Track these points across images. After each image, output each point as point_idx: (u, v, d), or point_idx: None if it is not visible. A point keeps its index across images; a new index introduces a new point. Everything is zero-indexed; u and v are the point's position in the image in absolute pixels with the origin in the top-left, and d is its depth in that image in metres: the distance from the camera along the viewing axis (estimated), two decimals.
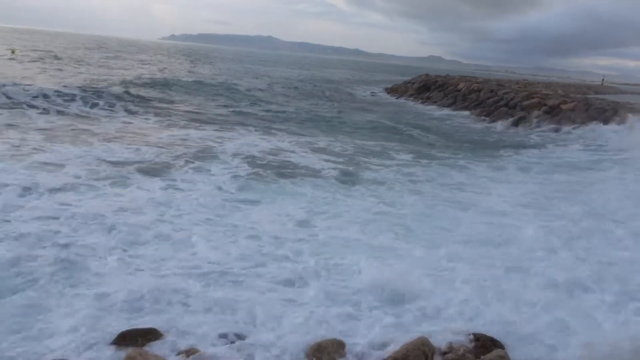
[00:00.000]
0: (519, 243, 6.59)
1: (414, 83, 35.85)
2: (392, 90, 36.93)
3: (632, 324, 4.52)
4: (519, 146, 15.60)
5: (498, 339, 3.95)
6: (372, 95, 34.70)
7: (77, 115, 14.20)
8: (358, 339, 3.93)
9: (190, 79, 27.78)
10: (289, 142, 13.07)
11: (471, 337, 3.94)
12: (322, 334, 3.94)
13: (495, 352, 3.64)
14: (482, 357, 3.66)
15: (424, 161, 12.13)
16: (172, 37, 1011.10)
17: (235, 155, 10.73)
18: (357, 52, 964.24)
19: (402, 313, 4.44)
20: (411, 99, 31.28)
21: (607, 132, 16.17)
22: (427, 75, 38.01)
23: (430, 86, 32.24)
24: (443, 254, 5.93)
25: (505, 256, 6.06)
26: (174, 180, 8.30)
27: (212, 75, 34.58)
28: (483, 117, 21.81)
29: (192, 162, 9.61)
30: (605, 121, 16.95)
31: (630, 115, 16.36)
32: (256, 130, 14.63)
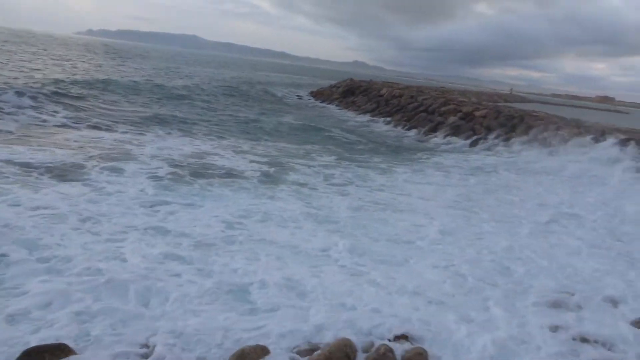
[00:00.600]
0: (426, 240, 6.98)
1: (339, 87, 36.48)
2: (318, 94, 37.33)
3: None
4: (435, 150, 16.42)
5: (414, 336, 4.10)
6: (298, 98, 34.88)
7: None
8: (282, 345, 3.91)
9: (109, 77, 26.34)
10: (212, 144, 12.80)
11: (390, 336, 4.06)
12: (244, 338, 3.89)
13: (414, 349, 3.77)
14: (402, 355, 3.77)
15: (345, 163, 12.48)
16: (89, 32, 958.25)
17: (154, 157, 10.31)
18: (284, 55, 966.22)
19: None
20: (336, 102, 31.81)
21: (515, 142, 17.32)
22: (351, 80, 38.81)
23: (354, 90, 32.95)
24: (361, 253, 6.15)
25: (411, 253, 6.37)
26: (88, 183, 7.82)
27: (131, 74, 33.06)
28: (403, 123, 22.59)
29: (107, 165, 9.04)
30: (512, 128, 18.19)
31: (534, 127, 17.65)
32: (179, 132, 14.18)
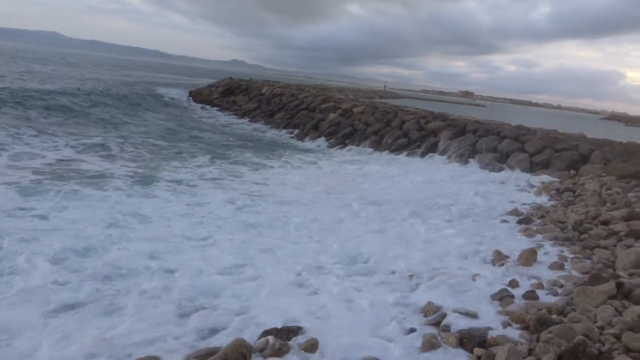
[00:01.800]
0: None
1: (218, 87, 35.74)
2: (197, 94, 36.25)
3: None
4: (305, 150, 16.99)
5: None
6: (172, 100, 33.33)
7: None
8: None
9: None
10: (76, 149, 11.96)
11: (275, 329, 4.14)
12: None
13: (308, 340, 3.87)
14: (297, 346, 3.85)
15: (219, 161, 12.86)
16: None
17: (12, 165, 9.38)
18: (158, 54, 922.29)
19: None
20: (216, 102, 31.12)
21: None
22: (231, 79, 38.26)
23: (234, 90, 32.54)
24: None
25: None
26: None
27: None
28: (286, 127, 22.85)
29: None
30: (388, 123, 19.31)
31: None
32: (39, 137, 12.92)
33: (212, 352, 3.76)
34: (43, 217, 6.61)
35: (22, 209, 6.82)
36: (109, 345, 3.81)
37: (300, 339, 3.90)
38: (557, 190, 11.17)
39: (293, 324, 4.22)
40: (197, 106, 30.05)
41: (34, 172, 9.02)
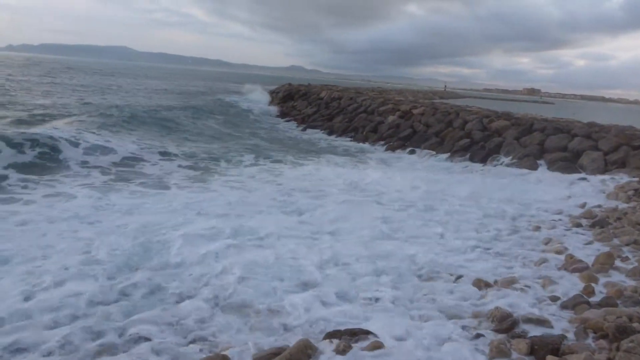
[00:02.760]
0: None
1: (278, 92, 36.46)
2: None
3: None
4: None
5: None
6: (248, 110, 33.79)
7: None
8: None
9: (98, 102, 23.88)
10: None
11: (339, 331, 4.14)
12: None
13: (372, 343, 3.86)
14: (361, 349, 3.85)
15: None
16: (9, 47, 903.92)
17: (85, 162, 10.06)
18: (220, 63, 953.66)
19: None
20: (277, 107, 31.69)
21: None
22: (290, 84, 38.90)
23: (293, 95, 33.04)
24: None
25: None
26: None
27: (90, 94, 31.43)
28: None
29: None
30: (449, 124, 18.86)
31: None
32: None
33: (277, 351, 3.83)
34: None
35: None
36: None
37: (364, 342, 3.89)
38: (636, 190, 10.44)
39: (357, 326, 4.22)
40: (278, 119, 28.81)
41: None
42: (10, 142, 10.93)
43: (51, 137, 11.90)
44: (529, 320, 4.25)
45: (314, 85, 38.42)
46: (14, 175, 9.34)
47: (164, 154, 13.10)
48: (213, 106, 29.75)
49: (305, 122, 25.65)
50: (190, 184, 10.17)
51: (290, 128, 24.02)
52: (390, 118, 21.33)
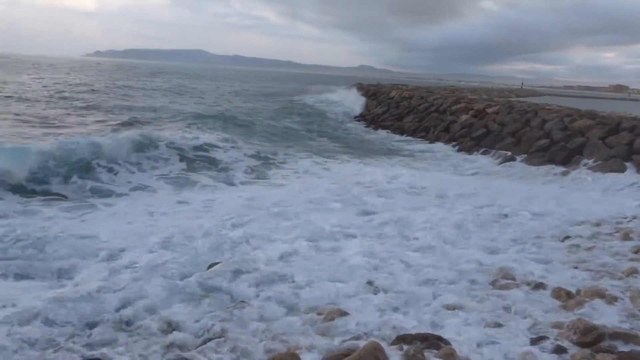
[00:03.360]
0: None
1: None
2: None
3: None
4: None
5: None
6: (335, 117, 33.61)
7: None
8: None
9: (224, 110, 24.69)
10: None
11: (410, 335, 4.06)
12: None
13: (444, 349, 3.75)
14: (433, 355, 3.76)
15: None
16: (97, 53, 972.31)
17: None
18: (291, 64, 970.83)
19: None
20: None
21: None
22: (359, 84, 38.84)
23: (364, 95, 32.94)
24: None
25: None
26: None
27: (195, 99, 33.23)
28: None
29: None
30: (526, 123, 17.95)
31: None
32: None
33: (346, 353, 3.82)
34: None
35: None
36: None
37: (436, 349, 3.79)
38: None
39: (429, 333, 4.12)
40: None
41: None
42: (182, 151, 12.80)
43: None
44: (617, 335, 3.95)
45: (383, 84, 38.10)
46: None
47: None
48: (290, 107, 30.68)
49: (375, 122, 25.51)
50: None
51: (359, 129, 23.97)
52: (463, 117, 20.69)
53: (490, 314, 4.63)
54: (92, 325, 4.23)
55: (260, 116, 24.19)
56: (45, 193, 8.64)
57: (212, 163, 12.66)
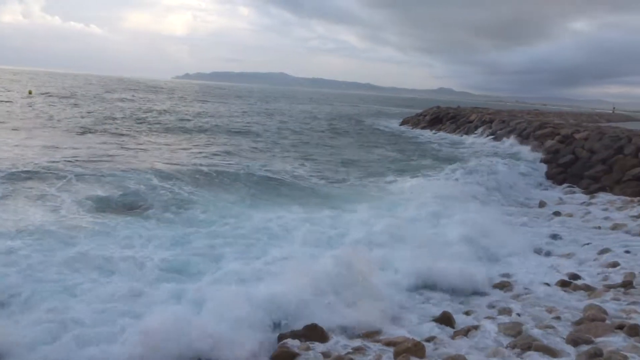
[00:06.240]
0: None
1: (425, 115, 36.29)
2: (404, 123, 37.37)
3: None
4: None
5: None
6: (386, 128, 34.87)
7: None
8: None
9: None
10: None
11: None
12: None
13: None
14: None
15: None
16: (186, 75, 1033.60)
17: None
18: (369, 87, 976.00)
19: None
20: (426, 130, 31.58)
21: None
22: (438, 107, 38.47)
23: (442, 118, 32.63)
24: None
25: None
26: None
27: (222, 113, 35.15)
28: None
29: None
30: (620, 150, 16.90)
31: None
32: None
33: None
34: None
35: None
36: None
37: None
38: None
39: None
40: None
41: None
42: None
43: None
44: None
45: (463, 108, 37.47)
46: None
47: None
48: (378, 134, 30.94)
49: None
50: None
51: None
52: (549, 142, 19.85)
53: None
54: None
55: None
56: None
57: None
